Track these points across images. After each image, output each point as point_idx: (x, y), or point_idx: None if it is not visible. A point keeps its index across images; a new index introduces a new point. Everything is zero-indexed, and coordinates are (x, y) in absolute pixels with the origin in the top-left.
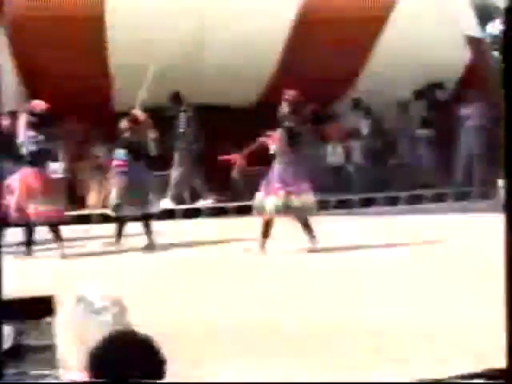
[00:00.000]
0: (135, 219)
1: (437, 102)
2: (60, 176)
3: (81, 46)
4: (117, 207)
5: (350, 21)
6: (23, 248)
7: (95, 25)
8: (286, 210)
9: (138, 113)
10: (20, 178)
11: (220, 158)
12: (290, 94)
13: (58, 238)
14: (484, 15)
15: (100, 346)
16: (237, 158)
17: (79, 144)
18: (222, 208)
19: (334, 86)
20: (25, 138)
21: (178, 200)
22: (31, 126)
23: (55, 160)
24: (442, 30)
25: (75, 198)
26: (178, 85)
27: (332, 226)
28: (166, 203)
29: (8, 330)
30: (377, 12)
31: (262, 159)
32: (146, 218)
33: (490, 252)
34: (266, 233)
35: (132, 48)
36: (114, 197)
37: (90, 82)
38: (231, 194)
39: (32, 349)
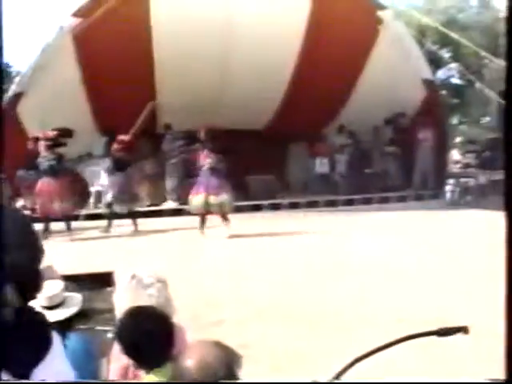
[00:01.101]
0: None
1: (401, 127)
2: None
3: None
4: (109, 205)
5: (337, 68)
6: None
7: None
8: (206, 207)
9: (124, 137)
10: (43, 185)
11: None
12: (206, 125)
13: (69, 226)
14: (434, 63)
15: (123, 318)
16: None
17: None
18: None
19: (325, 114)
20: (43, 156)
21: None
22: (47, 147)
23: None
24: (406, 74)
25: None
26: (203, 113)
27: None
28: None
29: (78, 297)
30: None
31: None
32: (131, 213)
33: (439, 236)
34: (202, 223)
35: (174, 79)
36: (107, 197)
37: (141, 106)
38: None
39: (97, 311)
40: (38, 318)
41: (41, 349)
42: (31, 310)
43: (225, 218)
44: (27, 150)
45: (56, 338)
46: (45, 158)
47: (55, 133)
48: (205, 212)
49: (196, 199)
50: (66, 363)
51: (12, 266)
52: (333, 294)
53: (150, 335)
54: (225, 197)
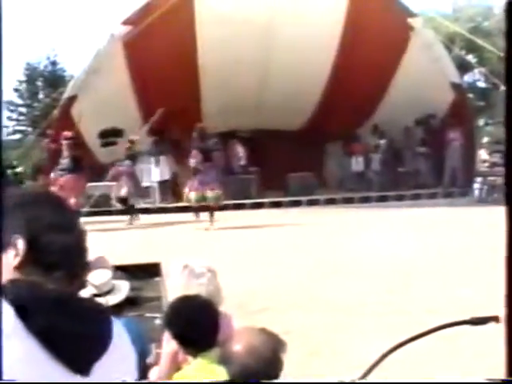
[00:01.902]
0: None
1: (432, 128)
2: (167, 178)
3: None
4: (124, 200)
5: (371, 71)
6: None
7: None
8: (202, 200)
9: (133, 137)
10: (64, 181)
11: None
12: (198, 125)
13: None
14: (462, 67)
15: (171, 306)
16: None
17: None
18: None
19: (359, 115)
20: (64, 156)
21: None
22: (67, 147)
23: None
24: (435, 78)
25: (177, 193)
26: (244, 114)
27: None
28: None
29: (125, 284)
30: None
31: None
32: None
33: (467, 231)
34: (196, 214)
35: (217, 82)
36: (123, 191)
37: (185, 106)
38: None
39: (146, 299)
40: (100, 308)
41: (101, 341)
42: (92, 300)
43: (212, 212)
44: (50, 150)
45: (119, 326)
46: (65, 157)
47: (72, 133)
48: (199, 205)
49: (191, 194)
50: (131, 354)
51: (60, 250)
52: (365, 285)
53: (196, 322)
54: (218, 191)
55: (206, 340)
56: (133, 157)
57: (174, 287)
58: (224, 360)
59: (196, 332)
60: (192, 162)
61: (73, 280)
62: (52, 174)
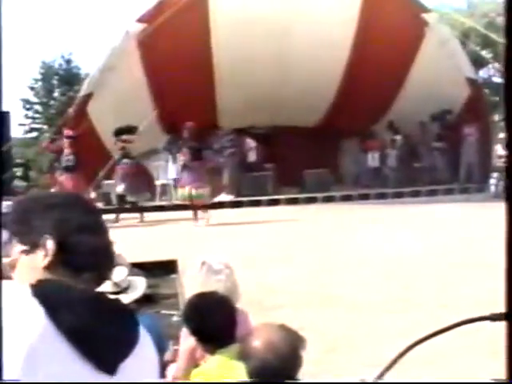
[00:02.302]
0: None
1: (447, 124)
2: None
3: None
4: (121, 197)
5: (386, 67)
6: None
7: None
8: (188, 197)
9: (126, 137)
10: (64, 179)
11: None
12: (188, 124)
13: None
14: (477, 63)
15: (189, 303)
16: None
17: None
18: None
19: (375, 111)
20: (66, 154)
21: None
22: (69, 145)
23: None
24: (450, 73)
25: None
26: (260, 111)
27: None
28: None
29: (142, 280)
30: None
31: None
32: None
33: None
34: (195, 212)
35: (232, 80)
36: (118, 189)
37: (201, 103)
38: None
39: (162, 296)
40: (128, 309)
41: (129, 342)
42: (120, 301)
43: (204, 209)
44: (53, 150)
45: (142, 327)
46: (66, 156)
47: (73, 131)
48: (190, 202)
49: (180, 191)
50: (154, 354)
51: (90, 251)
52: (381, 282)
53: (214, 318)
54: (205, 189)
55: (224, 336)
56: (128, 155)
57: (192, 284)
58: (243, 356)
59: (214, 328)
60: (180, 159)
61: (101, 281)
62: (55, 173)
